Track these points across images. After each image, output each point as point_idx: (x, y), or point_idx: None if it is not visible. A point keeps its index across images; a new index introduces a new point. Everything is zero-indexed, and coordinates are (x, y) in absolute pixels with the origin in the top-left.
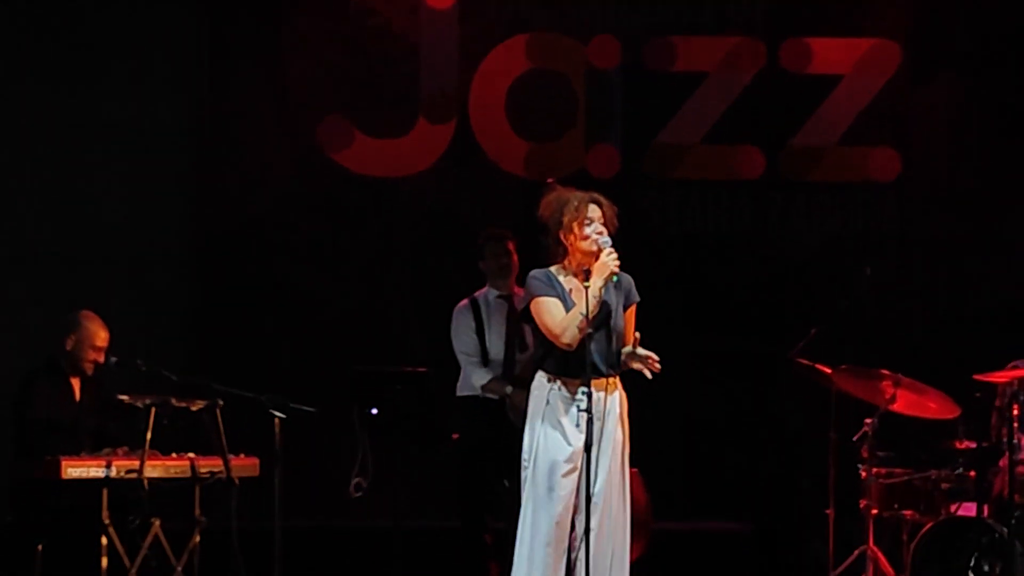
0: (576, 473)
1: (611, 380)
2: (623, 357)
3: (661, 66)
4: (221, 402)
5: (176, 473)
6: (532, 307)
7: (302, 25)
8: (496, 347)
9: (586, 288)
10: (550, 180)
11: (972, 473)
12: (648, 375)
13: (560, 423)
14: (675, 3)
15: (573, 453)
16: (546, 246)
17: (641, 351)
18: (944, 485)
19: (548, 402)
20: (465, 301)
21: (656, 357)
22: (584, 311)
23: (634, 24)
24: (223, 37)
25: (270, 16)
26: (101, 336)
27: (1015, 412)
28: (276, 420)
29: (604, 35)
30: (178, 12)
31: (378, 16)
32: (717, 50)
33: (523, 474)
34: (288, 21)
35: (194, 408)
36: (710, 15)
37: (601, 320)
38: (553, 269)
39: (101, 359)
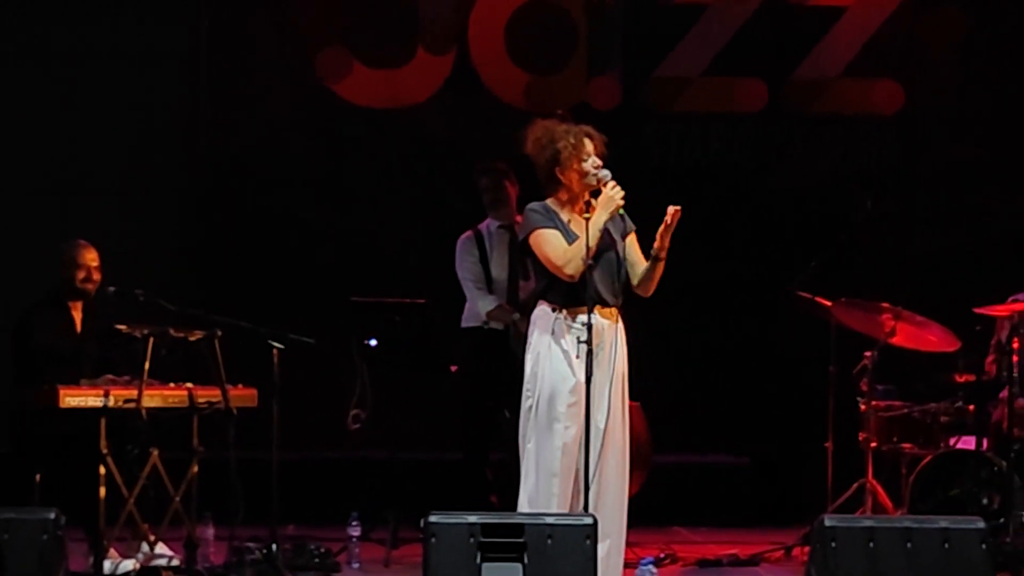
0: (580, 404)
1: (614, 311)
2: (653, 252)
3: None
4: (219, 332)
5: (174, 403)
6: (532, 239)
7: None
8: (500, 276)
9: (586, 220)
10: (560, 112)
11: (971, 406)
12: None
13: (564, 353)
14: None
15: (576, 385)
16: (539, 181)
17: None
18: (943, 418)
19: (553, 331)
20: (469, 232)
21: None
22: (587, 243)
23: None
24: None
25: None
26: (90, 255)
27: (1015, 346)
28: (274, 351)
29: None
30: None
31: None
32: None
33: (524, 404)
34: None
35: (192, 338)
36: None
37: (602, 250)
38: (549, 202)
39: (98, 277)
